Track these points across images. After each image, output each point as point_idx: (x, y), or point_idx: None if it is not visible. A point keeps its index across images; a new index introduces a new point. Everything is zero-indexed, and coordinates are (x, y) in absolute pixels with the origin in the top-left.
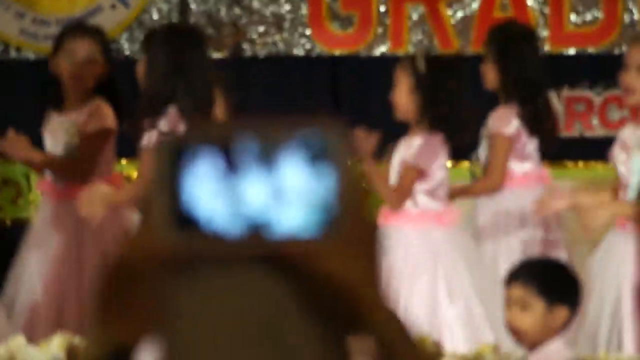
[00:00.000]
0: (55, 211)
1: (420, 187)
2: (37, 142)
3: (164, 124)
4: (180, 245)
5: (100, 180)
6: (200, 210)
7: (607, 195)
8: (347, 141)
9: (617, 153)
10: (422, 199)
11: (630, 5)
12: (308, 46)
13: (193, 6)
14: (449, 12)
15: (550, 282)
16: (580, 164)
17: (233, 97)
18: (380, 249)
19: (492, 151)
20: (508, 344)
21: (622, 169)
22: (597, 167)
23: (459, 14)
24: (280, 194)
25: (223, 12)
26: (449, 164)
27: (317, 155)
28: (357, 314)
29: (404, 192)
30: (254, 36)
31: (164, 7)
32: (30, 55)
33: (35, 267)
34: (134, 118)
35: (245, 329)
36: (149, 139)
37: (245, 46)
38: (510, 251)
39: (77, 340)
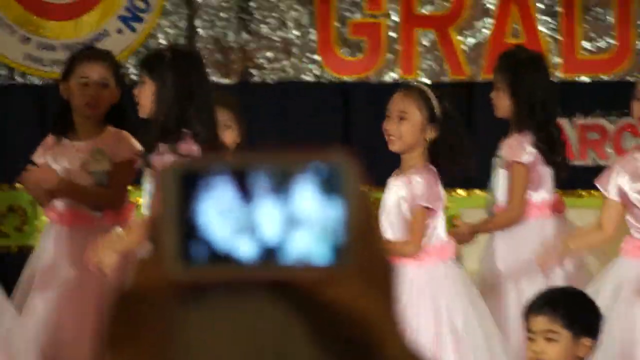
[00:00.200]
0: (69, 237)
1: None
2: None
3: (179, 148)
4: (190, 275)
5: (123, 208)
6: (211, 237)
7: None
8: (358, 171)
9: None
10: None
11: None
12: (317, 72)
13: (201, 31)
14: (460, 38)
15: (576, 313)
16: (595, 192)
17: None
18: (395, 281)
19: (511, 181)
20: None
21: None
22: None
23: (470, 41)
24: (292, 222)
25: (231, 37)
26: (463, 192)
27: (329, 185)
28: (370, 345)
29: (420, 236)
30: (263, 62)
31: (171, 31)
32: (36, 80)
33: (42, 313)
34: (144, 143)
35: (255, 356)
36: (164, 164)
37: (254, 72)
38: (532, 283)
39: None
